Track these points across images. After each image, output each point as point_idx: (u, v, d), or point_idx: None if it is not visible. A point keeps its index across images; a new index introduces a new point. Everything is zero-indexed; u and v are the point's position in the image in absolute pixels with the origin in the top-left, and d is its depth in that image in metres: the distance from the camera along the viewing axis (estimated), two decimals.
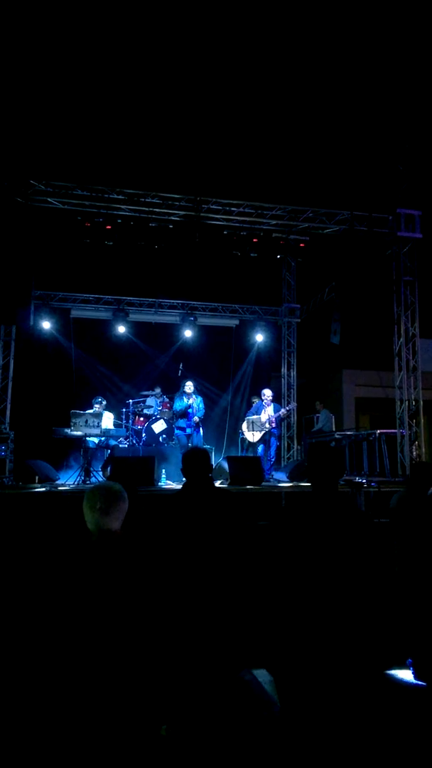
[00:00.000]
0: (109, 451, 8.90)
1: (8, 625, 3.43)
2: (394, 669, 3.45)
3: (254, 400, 10.42)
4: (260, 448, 9.17)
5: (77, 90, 8.59)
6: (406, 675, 3.44)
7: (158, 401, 10.75)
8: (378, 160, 9.64)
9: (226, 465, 7.73)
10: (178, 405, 8.93)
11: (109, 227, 9.14)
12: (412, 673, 3.42)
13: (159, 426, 10.25)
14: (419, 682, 3.35)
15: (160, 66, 8.46)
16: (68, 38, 7.88)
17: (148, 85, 8.72)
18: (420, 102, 8.97)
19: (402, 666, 3.49)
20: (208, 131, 9.32)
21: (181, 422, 8.93)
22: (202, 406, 9.01)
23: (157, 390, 10.97)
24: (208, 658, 2.63)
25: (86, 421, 7.83)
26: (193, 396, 8.86)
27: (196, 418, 8.89)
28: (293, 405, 12.34)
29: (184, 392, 8.87)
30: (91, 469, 8.06)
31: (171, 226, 9.45)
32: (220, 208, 9.55)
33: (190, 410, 8.79)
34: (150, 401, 10.77)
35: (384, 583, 2.43)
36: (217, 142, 9.41)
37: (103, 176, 9.11)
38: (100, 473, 8.35)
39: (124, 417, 10.19)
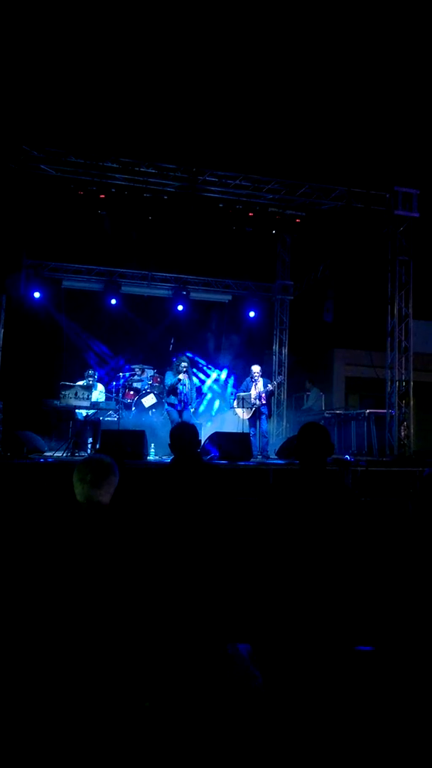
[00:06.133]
0: (89, 427, 8.76)
1: None
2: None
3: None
4: (255, 424, 9.15)
5: (73, 53, 8.33)
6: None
7: (148, 375, 10.71)
8: (377, 136, 9.48)
9: (210, 446, 7.70)
10: (169, 380, 8.86)
11: (102, 196, 8.97)
12: None
13: (149, 400, 10.23)
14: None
15: (159, 31, 8.21)
16: (65, 2, 7.62)
17: (146, 50, 8.46)
18: (422, 79, 8.81)
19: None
20: (206, 101, 9.10)
21: (172, 398, 8.88)
22: (193, 390, 8.85)
23: (148, 367, 10.93)
24: (192, 632, 2.65)
25: (76, 393, 7.79)
26: (183, 374, 8.68)
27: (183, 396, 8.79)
28: (281, 378, 12.32)
29: (177, 368, 8.73)
30: (80, 441, 8.04)
31: (166, 197, 9.29)
32: (216, 180, 9.38)
33: (180, 387, 8.68)
34: (140, 375, 10.73)
35: (369, 561, 2.45)
36: (215, 112, 9.20)
37: (98, 143, 8.89)
38: (89, 446, 8.33)
39: (114, 390, 10.14)
